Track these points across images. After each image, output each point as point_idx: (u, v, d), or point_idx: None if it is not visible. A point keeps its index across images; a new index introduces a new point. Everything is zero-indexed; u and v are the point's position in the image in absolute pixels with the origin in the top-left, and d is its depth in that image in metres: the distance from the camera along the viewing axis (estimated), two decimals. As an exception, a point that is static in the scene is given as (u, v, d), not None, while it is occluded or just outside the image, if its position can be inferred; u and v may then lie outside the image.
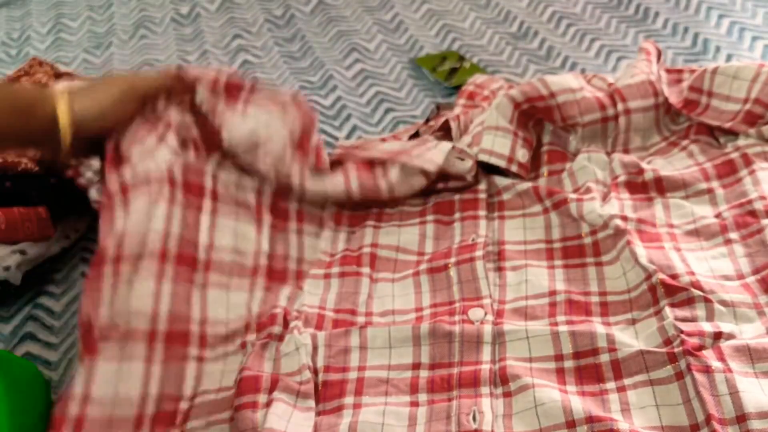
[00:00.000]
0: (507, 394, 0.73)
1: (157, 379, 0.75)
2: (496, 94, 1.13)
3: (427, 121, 1.15)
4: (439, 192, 0.99)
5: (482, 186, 0.98)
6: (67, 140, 0.78)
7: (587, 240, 0.89)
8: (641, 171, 0.95)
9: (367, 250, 0.92)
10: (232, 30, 1.53)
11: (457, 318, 0.81)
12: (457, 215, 0.95)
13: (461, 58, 1.33)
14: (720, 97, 1.00)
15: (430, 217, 0.96)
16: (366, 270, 0.90)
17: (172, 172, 0.83)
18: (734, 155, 0.94)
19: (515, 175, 0.99)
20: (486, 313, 0.81)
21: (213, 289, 0.83)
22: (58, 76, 1.38)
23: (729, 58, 1.25)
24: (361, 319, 0.84)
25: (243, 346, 0.82)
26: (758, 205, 0.87)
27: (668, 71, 1.08)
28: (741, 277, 0.81)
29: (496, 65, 1.32)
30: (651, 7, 1.38)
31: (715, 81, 1.01)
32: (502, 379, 0.74)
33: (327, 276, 0.91)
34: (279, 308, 0.84)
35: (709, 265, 0.83)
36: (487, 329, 0.79)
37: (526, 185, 0.96)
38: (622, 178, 0.95)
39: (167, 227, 0.80)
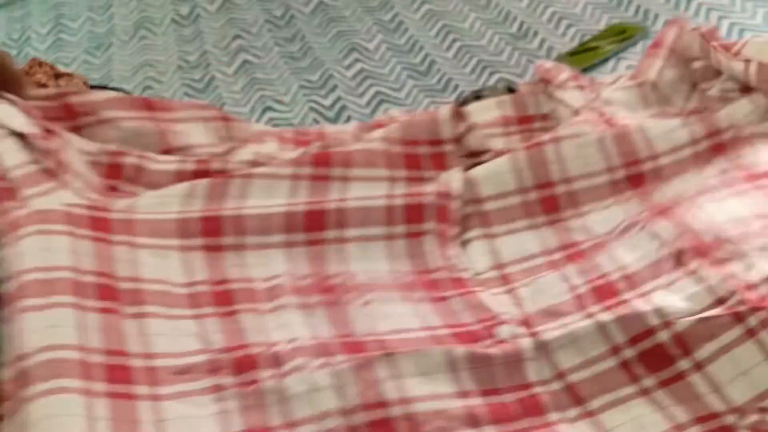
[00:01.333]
0: (588, 414, 0.65)
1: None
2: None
3: (463, 104, 1.05)
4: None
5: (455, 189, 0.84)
6: None
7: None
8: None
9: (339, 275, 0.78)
10: (232, 30, 1.53)
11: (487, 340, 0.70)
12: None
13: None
14: None
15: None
16: (352, 295, 0.76)
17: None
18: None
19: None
20: (516, 325, 0.70)
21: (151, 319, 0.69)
22: (58, 76, 1.38)
23: (729, 58, 1.24)
24: (372, 345, 0.69)
25: (216, 389, 0.66)
26: None
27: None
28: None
29: (496, 65, 1.32)
30: (651, 8, 1.38)
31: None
32: (573, 399, 0.66)
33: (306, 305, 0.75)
34: (258, 344, 0.69)
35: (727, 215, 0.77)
36: (526, 343, 0.68)
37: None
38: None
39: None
